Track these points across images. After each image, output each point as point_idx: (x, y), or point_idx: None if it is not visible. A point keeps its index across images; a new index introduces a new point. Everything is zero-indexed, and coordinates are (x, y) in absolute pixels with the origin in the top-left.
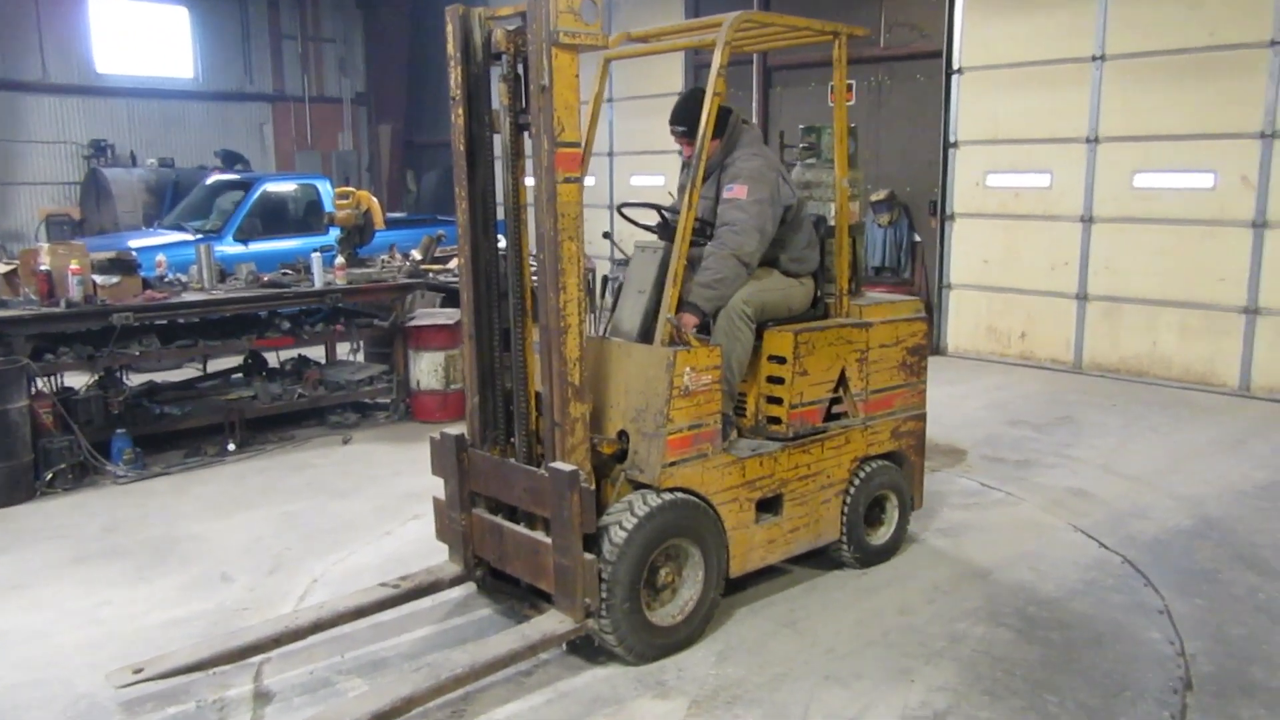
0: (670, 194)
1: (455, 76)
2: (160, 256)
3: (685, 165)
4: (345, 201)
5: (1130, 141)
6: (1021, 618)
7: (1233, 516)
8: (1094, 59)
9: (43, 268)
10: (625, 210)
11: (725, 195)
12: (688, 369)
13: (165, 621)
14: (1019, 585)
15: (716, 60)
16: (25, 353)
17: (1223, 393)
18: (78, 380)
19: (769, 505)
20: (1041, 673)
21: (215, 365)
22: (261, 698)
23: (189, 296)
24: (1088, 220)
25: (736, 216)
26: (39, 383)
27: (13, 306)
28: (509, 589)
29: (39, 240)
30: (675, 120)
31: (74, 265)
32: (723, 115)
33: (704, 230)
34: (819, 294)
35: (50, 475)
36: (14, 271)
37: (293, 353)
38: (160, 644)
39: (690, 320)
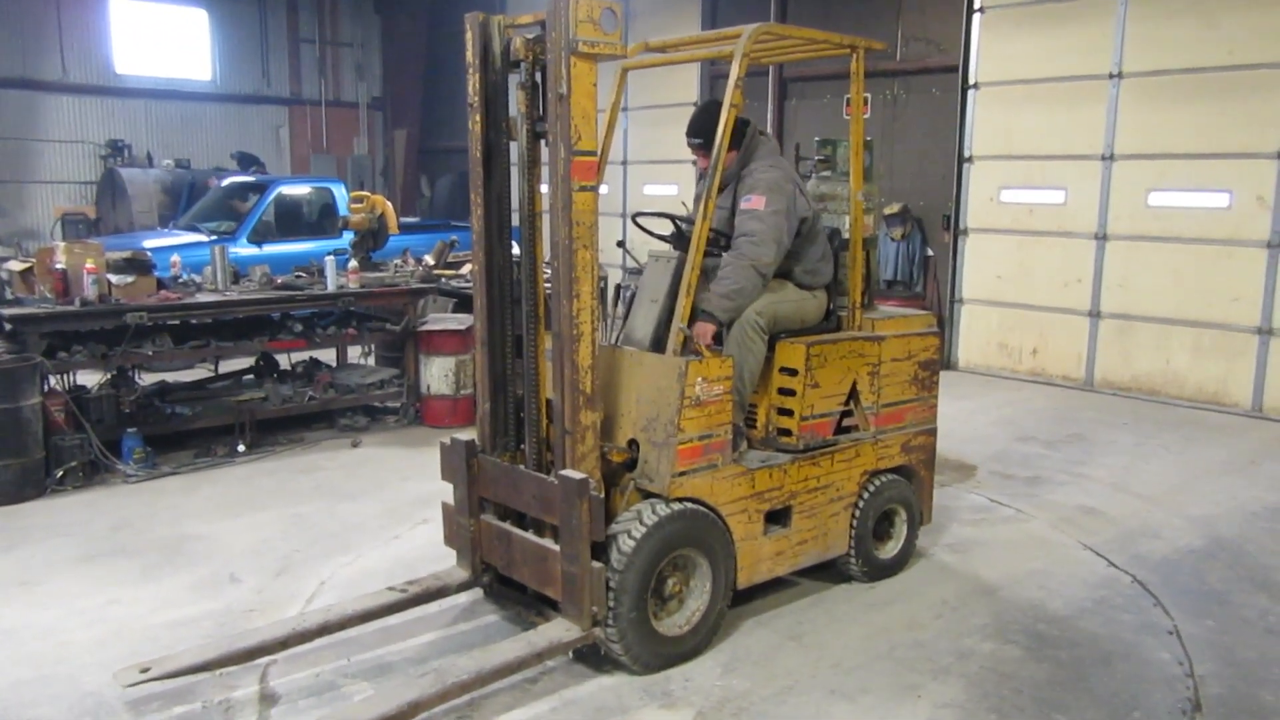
0: (684, 204)
1: (473, 84)
2: (175, 257)
3: (701, 176)
4: (359, 205)
5: (1146, 159)
6: (1030, 635)
7: (1244, 538)
8: (1111, 76)
9: (58, 266)
10: (640, 220)
11: (743, 206)
12: (699, 379)
13: (173, 621)
14: (1027, 602)
15: (734, 71)
16: (39, 350)
17: (1235, 413)
18: (90, 379)
19: (778, 517)
20: (1049, 691)
21: (227, 366)
22: (267, 700)
23: (203, 297)
24: (1102, 237)
25: (755, 227)
26: (52, 380)
27: (28, 304)
28: (516, 595)
29: (54, 239)
30: (692, 132)
31: (89, 264)
32: (740, 127)
33: (718, 241)
34: (832, 306)
35: (61, 473)
36: (30, 269)
37: (304, 355)
38: (167, 643)
39: (707, 330)
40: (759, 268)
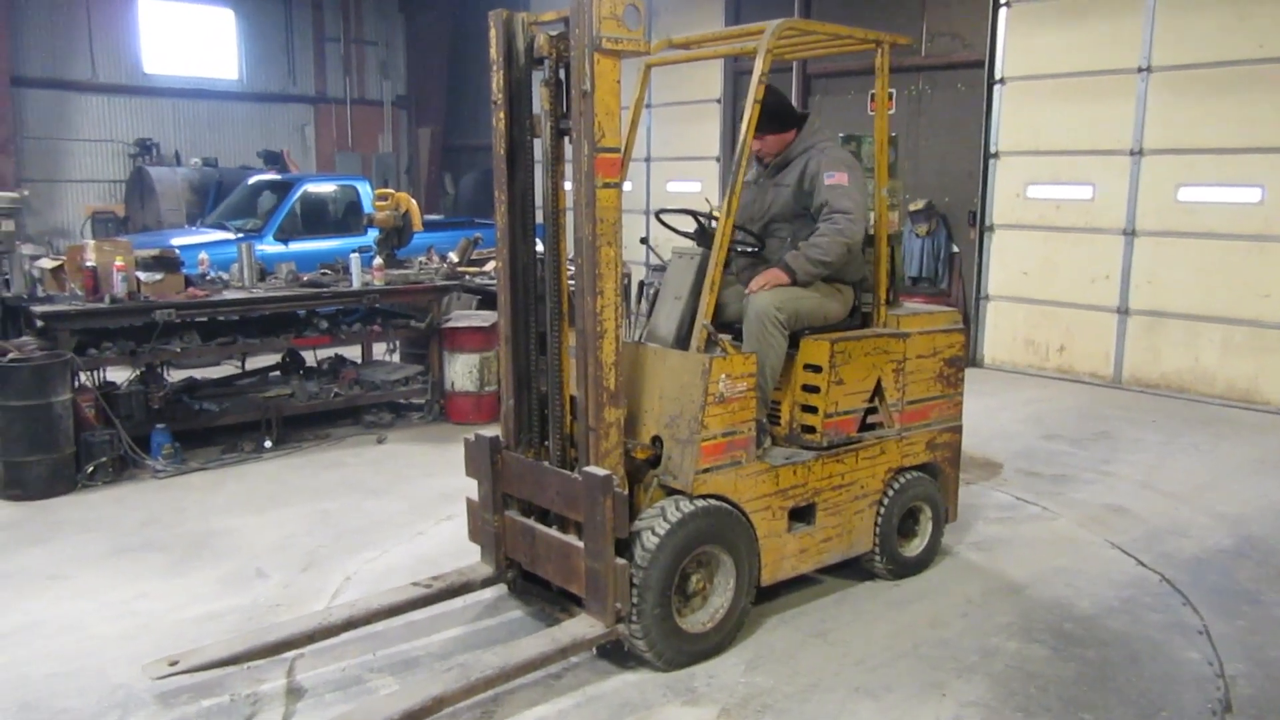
0: (707, 200)
1: (497, 81)
2: (202, 255)
3: (757, 159)
4: (384, 203)
5: (1175, 154)
6: (1056, 634)
7: (1274, 536)
8: (1139, 70)
9: (89, 264)
10: (663, 216)
11: (828, 181)
12: (723, 376)
13: (200, 615)
14: (1054, 601)
15: (758, 67)
16: (70, 347)
17: (1266, 411)
18: (120, 375)
19: (802, 514)
20: (1076, 690)
21: (254, 363)
22: (294, 693)
23: (230, 294)
24: (1130, 233)
25: (849, 205)
26: (82, 377)
27: (59, 301)
28: (540, 591)
29: (84, 237)
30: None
31: (119, 262)
32: (800, 118)
33: (745, 238)
34: (857, 303)
35: (91, 468)
36: (61, 267)
37: (330, 352)
38: (195, 637)
39: (780, 275)
40: (852, 247)
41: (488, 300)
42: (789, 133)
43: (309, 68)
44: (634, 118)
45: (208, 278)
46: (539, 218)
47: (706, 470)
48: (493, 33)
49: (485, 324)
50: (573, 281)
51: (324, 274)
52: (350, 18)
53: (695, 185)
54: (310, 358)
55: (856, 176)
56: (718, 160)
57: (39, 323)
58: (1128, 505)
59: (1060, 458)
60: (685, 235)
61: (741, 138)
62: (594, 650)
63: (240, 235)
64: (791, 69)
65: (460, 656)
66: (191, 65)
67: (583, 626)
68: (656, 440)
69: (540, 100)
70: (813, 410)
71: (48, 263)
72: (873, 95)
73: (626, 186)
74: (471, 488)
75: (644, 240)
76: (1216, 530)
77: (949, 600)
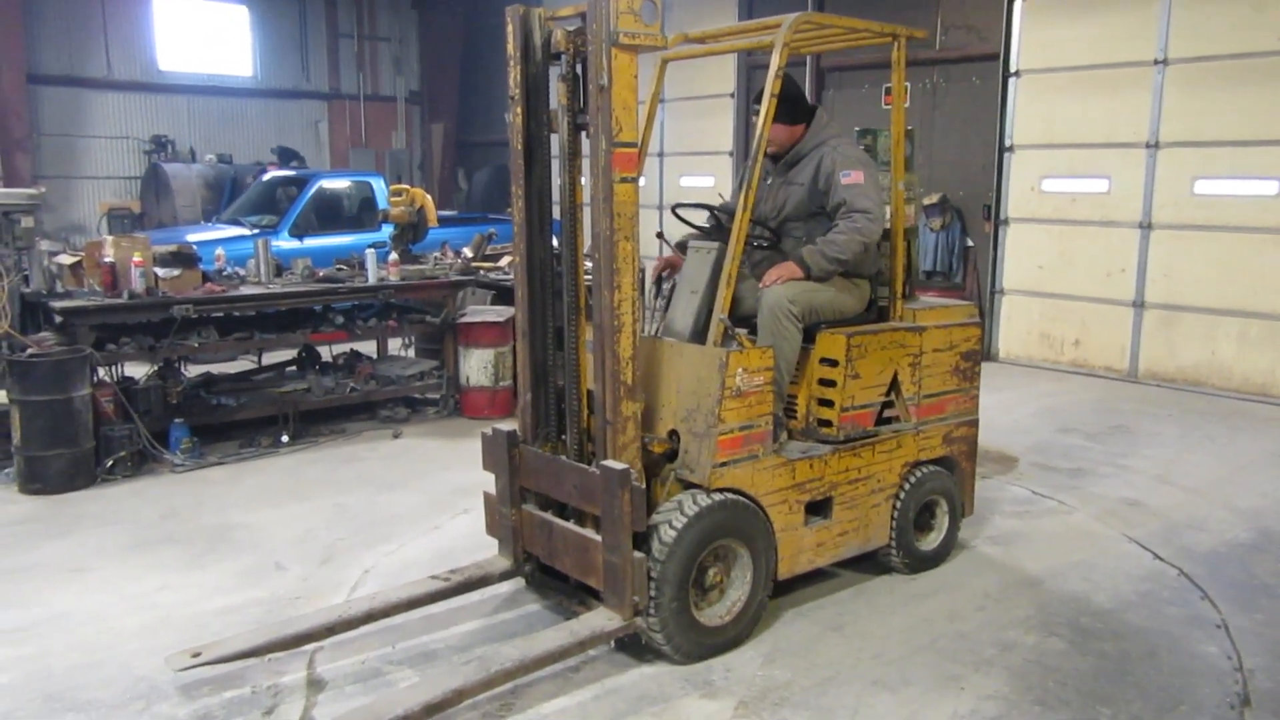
0: (720, 195)
1: (514, 76)
2: (219, 250)
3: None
4: (399, 199)
5: (1191, 147)
6: (1074, 628)
7: None
8: (1156, 63)
9: (107, 260)
10: (679, 210)
11: (844, 181)
12: (740, 370)
13: (221, 608)
14: (1071, 595)
15: (775, 61)
16: (88, 342)
17: None
18: (138, 370)
19: (818, 508)
20: (1094, 684)
21: (270, 358)
22: (314, 685)
23: (246, 290)
24: (1146, 227)
25: (869, 205)
26: (101, 372)
27: (78, 297)
28: (557, 585)
29: (100, 233)
30: (761, 100)
31: (137, 258)
32: (809, 109)
33: (762, 233)
34: (873, 297)
35: (110, 462)
36: (79, 263)
37: (345, 347)
38: (216, 630)
39: (794, 269)
40: (869, 246)
41: (502, 295)
42: (798, 126)
43: (323, 64)
44: (650, 113)
45: (224, 273)
46: (556, 213)
47: (723, 464)
48: (510, 28)
49: (500, 319)
50: (589, 276)
51: (340, 270)
52: (364, 14)
53: (709, 180)
54: (326, 353)
55: (872, 174)
56: (731, 155)
57: (58, 318)
58: (1144, 499)
59: (1076, 452)
60: (701, 230)
61: (758, 131)
62: (612, 643)
63: (256, 231)
64: (805, 63)
65: (479, 649)
66: (206, 62)
67: (600, 620)
68: (673, 434)
69: (557, 95)
70: (829, 404)
71: (66, 259)
72: (887, 89)
73: (640, 181)
74: (487, 482)
75: (659, 235)
76: (1234, 524)
77: (966, 594)
